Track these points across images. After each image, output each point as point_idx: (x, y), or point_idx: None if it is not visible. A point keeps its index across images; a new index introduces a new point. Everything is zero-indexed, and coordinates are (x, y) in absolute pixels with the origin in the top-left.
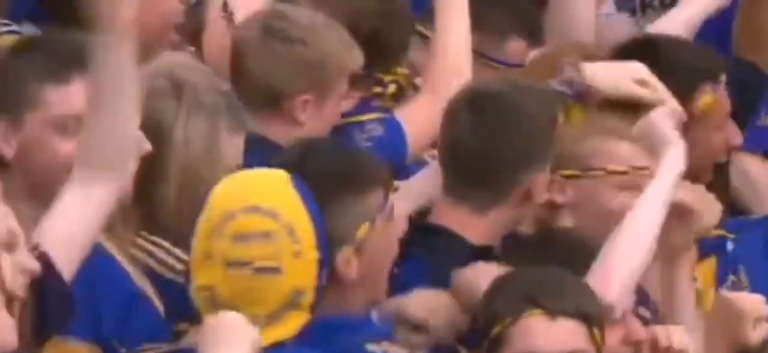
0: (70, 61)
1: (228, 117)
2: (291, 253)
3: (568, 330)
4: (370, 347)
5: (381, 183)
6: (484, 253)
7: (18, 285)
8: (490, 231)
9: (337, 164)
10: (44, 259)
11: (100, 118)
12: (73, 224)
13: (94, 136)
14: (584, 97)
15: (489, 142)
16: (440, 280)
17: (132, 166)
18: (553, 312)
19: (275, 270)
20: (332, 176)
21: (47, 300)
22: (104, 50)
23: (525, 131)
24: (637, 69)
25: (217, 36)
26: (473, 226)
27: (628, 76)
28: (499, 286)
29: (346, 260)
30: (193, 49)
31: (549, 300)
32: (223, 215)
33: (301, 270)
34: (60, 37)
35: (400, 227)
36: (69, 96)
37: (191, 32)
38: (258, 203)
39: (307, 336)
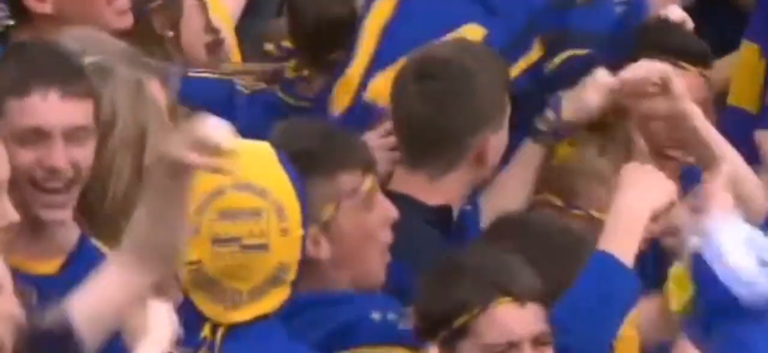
0: (32, 75)
1: (131, 70)
2: (278, 231)
3: (535, 314)
4: (373, 315)
5: (357, 166)
6: (442, 213)
7: (2, 331)
8: (448, 195)
9: (307, 144)
10: (65, 324)
11: (156, 217)
12: (104, 303)
13: (148, 231)
14: (561, 133)
15: (437, 109)
16: (399, 244)
17: (177, 265)
18: (522, 298)
19: (263, 247)
20: (302, 155)
21: None
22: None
23: (473, 94)
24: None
25: (194, 21)
26: (431, 191)
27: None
28: (456, 276)
29: (313, 240)
30: (172, 34)
31: (516, 286)
32: (211, 191)
33: (288, 247)
34: (29, 50)
35: (384, 213)
36: (27, 108)
37: (171, 19)
38: (248, 179)
39: (299, 314)
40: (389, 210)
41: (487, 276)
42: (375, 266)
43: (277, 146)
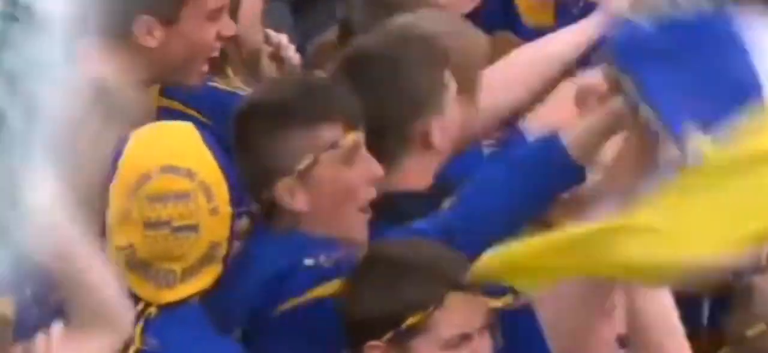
0: None
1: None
2: (207, 210)
3: (482, 303)
4: (306, 261)
5: (340, 119)
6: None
7: None
8: (410, 181)
9: (285, 96)
10: None
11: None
12: None
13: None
14: None
15: (369, 105)
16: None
17: (129, 318)
18: (472, 290)
19: (193, 228)
20: (280, 107)
21: None
22: None
23: (404, 83)
24: None
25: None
26: (389, 181)
27: None
28: (403, 275)
29: (288, 190)
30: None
31: (463, 278)
32: (139, 177)
33: (217, 226)
34: None
35: (367, 171)
36: None
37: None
38: (174, 162)
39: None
40: (373, 168)
41: (436, 271)
42: (354, 224)
43: (256, 99)
